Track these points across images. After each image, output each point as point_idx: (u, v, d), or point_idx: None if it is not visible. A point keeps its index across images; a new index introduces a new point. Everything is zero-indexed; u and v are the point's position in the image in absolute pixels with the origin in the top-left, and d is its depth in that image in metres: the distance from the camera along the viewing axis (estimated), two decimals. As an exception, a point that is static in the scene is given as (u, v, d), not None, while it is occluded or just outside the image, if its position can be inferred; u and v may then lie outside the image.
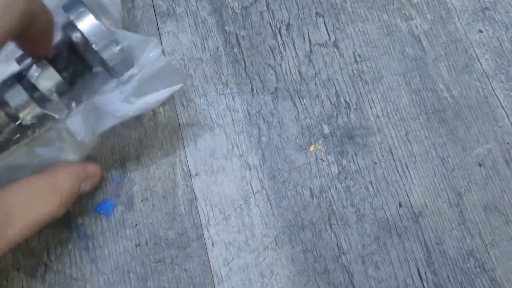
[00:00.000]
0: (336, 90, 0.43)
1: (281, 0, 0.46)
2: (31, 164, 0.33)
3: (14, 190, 0.27)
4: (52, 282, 0.37)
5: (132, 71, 0.35)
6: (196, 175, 0.40)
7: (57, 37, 0.35)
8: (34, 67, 0.33)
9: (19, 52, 0.33)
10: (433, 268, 0.38)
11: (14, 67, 0.33)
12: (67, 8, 0.35)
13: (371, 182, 0.40)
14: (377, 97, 0.43)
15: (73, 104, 0.35)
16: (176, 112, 0.42)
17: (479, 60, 0.44)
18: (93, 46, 0.34)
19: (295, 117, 0.42)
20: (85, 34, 0.34)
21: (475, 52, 0.44)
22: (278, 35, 0.44)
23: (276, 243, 0.38)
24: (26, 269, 0.37)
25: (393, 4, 0.46)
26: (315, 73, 0.43)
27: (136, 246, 0.38)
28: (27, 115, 0.33)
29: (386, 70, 0.44)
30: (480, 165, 0.41)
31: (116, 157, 0.40)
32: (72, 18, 0.34)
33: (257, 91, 0.43)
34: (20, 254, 0.37)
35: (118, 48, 0.35)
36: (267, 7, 0.45)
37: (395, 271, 0.38)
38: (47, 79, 0.34)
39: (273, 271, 0.38)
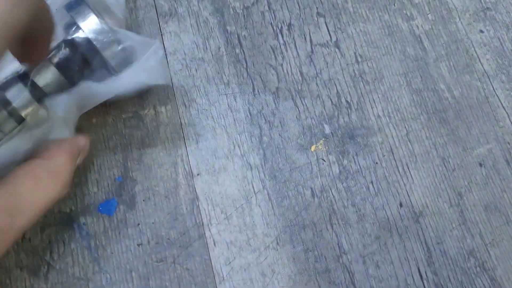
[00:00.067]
0: (337, 90, 0.43)
1: (282, 0, 0.46)
2: (26, 148, 0.33)
3: (17, 179, 0.28)
4: (55, 281, 0.37)
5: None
6: (198, 174, 0.40)
7: (60, 36, 0.35)
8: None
9: None
10: (434, 268, 0.39)
11: (15, 65, 0.34)
12: (70, 8, 0.35)
13: (372, 182, 0.41)
14: (378, 97, 0.43)
15: None
16: (178, 112, 0.42)
17: (480, 60, 0.44)
18: (95, 45, 0.35)
19: (296, 117, 0.42)
20: (87, 33, 0.35)
21: (476, 52, 0.45)
22: (280, 35, 0.45)
23: (277, 243, 0.39)
24: (29, 268, 0.37)
25: (394, 4, 0.46)
26: (316, 73, 0.43)
27: (138, 245, 0.38)
28: (29, 113, 0.34)
29: (387, 70, 0.44)
30: (480, 165, 0.41)
31: (118, 157, 0.40)
32: (74, 17, 0.35)
33: (258, 91, 0.43)
34: (23, 253, 0.37)
35: (120, 48, 0.35)
36: (269, 7, 0.45)
37: (395, 271, 0.38)
38: (48, 78, 0.34)
39: (274, 270, 0.38)
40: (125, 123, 0.41)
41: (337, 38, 0.45)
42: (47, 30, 0.29)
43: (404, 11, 0.46)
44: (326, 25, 0.45)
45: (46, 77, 0.34)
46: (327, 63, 0.44)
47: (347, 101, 0.43)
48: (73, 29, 0.35)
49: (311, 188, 0.40)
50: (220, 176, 0.40)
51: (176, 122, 0.41)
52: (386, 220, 0.40)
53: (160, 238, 0.38)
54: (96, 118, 0.41)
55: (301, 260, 0.38)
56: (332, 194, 0.40)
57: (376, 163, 0.41)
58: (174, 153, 0.41)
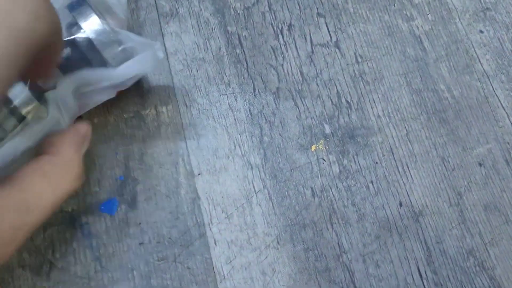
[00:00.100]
0: (337, 90, 0.43)
1: (283, 1, 0.46)
2: (27, 146, 0.33)
3: (26, 177, 0.27)
4: (57, 280, 0.37)
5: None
6: (198, 174, 0.40)
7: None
8: None
9: None
10: (433, 267, 0.39)
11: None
12: (71, 8, 0.35)
13: (372, 182, 0.41)
14: (378, 97, 0.43)
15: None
16: (179, 112, 0.42)
17: (480, 61, 0.44)
18: (96, 45, 0.35)
19: (296, 117, 0.42)
20: (88, 33, 0.35)
21: (476, 52, 0.45)
22: (280, 36, 0.45)
23: (278, 242, 0.39)
24: (31, 267, 0.38)
25: (394, 5, 0.46)
26: (317, 74, 0.44)
27: (140, 244, 0.38)
28: (30, 111, 0.34)
29: (387, 71, 0.44)
30: (480, 165, 0.42)
31: (119, 157, 0.40)
32: (76, 17, 0.35)
33: (259, 91, 0.43)
34: (25, 252, 0.38)
35: (120, 48, 0.36)
36: (269, 8, 0.46)
37: (395, 270, 0.39)
38: None
39: (274, 269, 0.38)
40: (126, 123, 0.41)
41: (337, 39, 0.45)
42: (58, 48, 0.29)
43: (404, 12, 0.46)
44: (326, 25, 0.45)
45: None
46: (327, 63, 0.44)
47: (347, 101, 0.43)
48: (75, 29, 0.35)
49: (312, 188, 0.40)
50: (221, 176, 0.40)
51: (177, 122, 0.42)
52: (386, 219, 0.40)
53: (161, 237, 0.39)
54: (98, 118, 0.41)
55: (302, 259, 0.39)
56: (332, 194, 0.40)
57: (376, 163, 0.41)
58: (175, 152, 0.41)
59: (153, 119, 0.42)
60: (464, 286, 0.38)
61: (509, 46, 0.45)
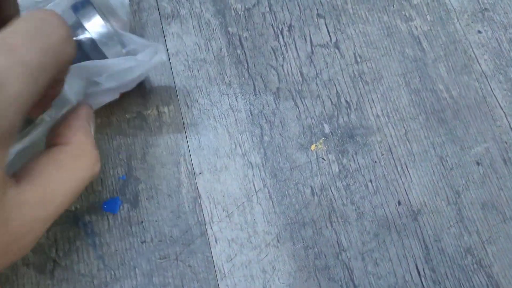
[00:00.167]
0: (337, 90, 0.44)
1: (283, 2, 0.46)
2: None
3: (44, 169, 0.27)
4: (61, 278, 0.38)
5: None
6: (200, 173, 0.41)
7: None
8: None
9: None
10: (431, 265, 0.39)
11: None
12: (76, 9, 0.36)
13: (370, 181, 0.41)
14: (377, 97, 0.44)
15: None
16: (180, 112, 0.43)
17: (478, 61, 0.45)
18: (99, 46, 0.36)
19: (296, 117, 0.43)
20: (92, 35, 0.35)
21: (474, 52, 0.45)
22: (280, 36, 0.45)
23: (278, 240, 0.39)
24: (35, 265, 0.38)
25: (393, 6, 0.47)
26: (316, 74, 0.44)
27: (142, 242, 0.39)
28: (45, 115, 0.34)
29: (386, 71, 0.44)
30: (478, 164, 0.42)
31: (122, 156, 0.41)
32: (80, 18, 0.36)
33: (259, 91, 0.43)
34: (29, 251, 0.38)
35: (124, 51, 0.36)
36: (270, 9, 0.46)
37: (394, 268, 0.39)
38: None
39: (274, 267, 0.39)
40: (128, 123, 0.42)
41: (337, 39, 0.45)
42: (63, 78, 0.29)
43: (403, 12, 0.46)
44: (326, 26, 0.46)
45: None
46: (327, 64, 0.45)
47: (346, 101, 0.43)
48: (78, 30, 0.36)
49: (311, 187, 0.41)
50: (222, 175, 0.41)
51: (178, 122, 0.42)
52: (385, 218, 0.40)
53: (163, 236, 0.39)
54: (101, 119, 0.42)
55: (301, 257, 0.39)
56: (332, 193, 0.41)
57: (375, 162, 0.42)
58: (176, 152, 0.41)
59: (155, 119, 0.42)
60: (462, 284, 0.39)
61: (507, 47, 0.45)
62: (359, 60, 0.45)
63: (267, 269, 0.39)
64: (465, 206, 0.41)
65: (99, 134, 0.41)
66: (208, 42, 0.45)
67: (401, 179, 0.41)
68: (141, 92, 0.43)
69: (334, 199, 0.41)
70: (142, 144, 0.41)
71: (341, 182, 0.41)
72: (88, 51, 0.36)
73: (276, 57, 0.45)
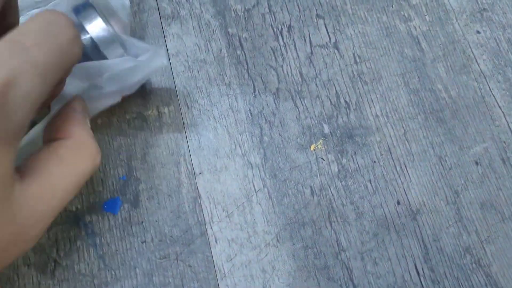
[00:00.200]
0: (336, 90, 0.44)
1: (282, 3, 0.47)
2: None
3: (45, 164, 0.28)
4: (61, 278, 0.38)
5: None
6: (200, 173, 0.41)
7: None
8: None
9: None
10: (430, 264, 0.39)
11: None
12: (77, 11, 0.36)
13: (370, 181, 0.41)
14: (376, 97, 0.44)
15: None
16: (180, 112, 0.43)
17: (476, 61, 0.45)
18: (101, 49, 0.36)
19: (296, 117, 0.43)
20: (93, 37, 0.36)
21: (472, 52, 0.45)
22: (280, 37, 0.46)
23: (277, 240, 0.40)
24: (36, 265, 0.38)
25: (392, 6, 0.47)
26: (316, 74, 0.44)
27: (142, 242, 0.39)
28: (37, 119, 0.35)
29: (385, 71, 0.45)
30: (477, 163, 0.42)
31: (122, 157, 0.41)
32: (81, 20, 0.36)
33: (259, 91, 0.44)
34: (30, 251, 0.38)
35: (125, 54, 0.36)
36: (269, 10, 0.46)
37: (393, 267, 0.39)
38: None
39: (274, 267, 0.39)
40: (129, 124, 0.42)
41: (336, 40, 0.46)
42: (70, 70, 0.30)
43: (402, 13, 0.47)
44: (325, 26, 0.46)
45: None
46: (326, 64, 0.45)
47: (345, 101, 0.44)
48: (80, 32, 0.36)
49: (311, 187, 0.41)
50: (222, 175, 0.41)
51: (178, 122, 0.42)
52: (384, 217, 0.40)
53: (163, 236, 0.39)
54: (101, 119, 0.42)
55: (301, 257, 0.39)
56: (331, 193, 0.41)
57: (374, 162, 0.42)
58: (176, 152, 0.42)
59: (155, 120, 0.42)
60: (461, 283, 0.39)
61: (505, 46, 0.45)
62: (358, 60, 0.45)
63: (267, 268, 0.39)
64: (464, 205, 0.41)
65: (99, 134, 0.42)
66: (208, 43, 0.45)
67: (400, 179, 0.42)
68: (141, 93, 0.43)
69: (334, 199, 0.41)
70: (143, 145, 0.42)
71: (341, 182, 0.41)
72: (90, 53, 0.36)
73: (275, 58, 0.45)
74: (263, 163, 0.42)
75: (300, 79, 0.44)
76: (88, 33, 0.36)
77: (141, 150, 0.42)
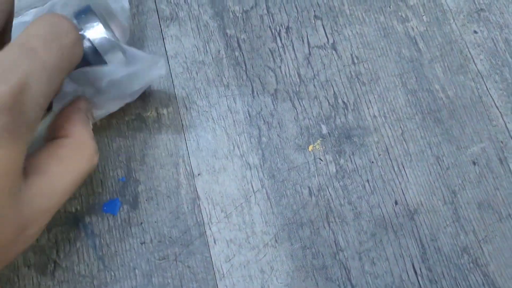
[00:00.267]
0: (334, 91, 0.44)
1: (280, 4, 0.47)
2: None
3: (46, 162, 0.28)
4: (61, 279, 0.38)
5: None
6: (198, 174, 0.41)
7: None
8: None
9: None
10: (428, 264, 0.40)
11: None
12: (77, 16, 0.36)
13: (368, 181, 0.42)
14: (374, 97, 0.44)
15: None
16: (179, 114, 0.43)
17: (474, 61, 0.45)
18: (101, 54, 0.36)
19: (294, 118, 0.43)
20: (94, 43, 0.36)
21: (470, 52, 0.46)
22: (278, 38, 0.46)
23: (276, 240, 0.40)
24: (36, 266, 0.39)
25: (389, 7, 0.47)
26: (314, 75, 0.44)
27: (141, 243, 0.39)
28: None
29: (383, 71, 0.45)
30: (474, 163, 0.42)
31: (121, 158, 0.42)
32: (81, 26, 0.36)
33: (257, 93, 0.44)
34: (30, 252, 0.39)
35: (126, 60, 0.37)
36: (267, 11, 0.47)
37: (391, 267, 0.40)
38: None
39: (272, 267, 0.39)
40: (128, 125, 0.42)
41: (334, 40, 0.46)
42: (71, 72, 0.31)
43: (399, 13, 0.47)
44: (323, 27, 0.46)
45: None
46: (324, 65, 0.45)
47: (343, 102, 0.44)
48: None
49: (309, 187, 0.41)
50: (220, 176, 0.41)
51: (177, 123, 0.43)
52: (382, 217, 0.41)
53: (162, 237, 0.40)
54: (100, 121, 0.42)
55: (299, 257, 0.40)
56: (329, 193, 0.41)
57: (372, 162, 0.42)
58: (175, 154, 0.42)
59: (154, 121, 0.43)
60: (458, 283, 0.39)
61: (502, 46, 0.46)
62: (356, 61, 0.45)
63: (265, 269, 0.39)
64: (462, 205, 0.41)
65: (98, 136, 0.42)
66: (206, 44, 0.45)
67: (397, 179, 0.42)
68: (140, 95, 0.43)
69: (332, 199, 0.41)
70: (141, 146, 0.42)
71: (339, 182, 0.42)
72: (90, 58, 0.36)
73: (273, 59, 0.45)
74: (262, 163, 0.42)
75: (298, 80, 0.44)
76: (88, 38, 0.36)
77: (140, 151, 0.42)
